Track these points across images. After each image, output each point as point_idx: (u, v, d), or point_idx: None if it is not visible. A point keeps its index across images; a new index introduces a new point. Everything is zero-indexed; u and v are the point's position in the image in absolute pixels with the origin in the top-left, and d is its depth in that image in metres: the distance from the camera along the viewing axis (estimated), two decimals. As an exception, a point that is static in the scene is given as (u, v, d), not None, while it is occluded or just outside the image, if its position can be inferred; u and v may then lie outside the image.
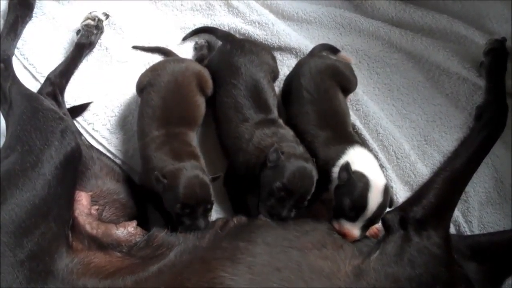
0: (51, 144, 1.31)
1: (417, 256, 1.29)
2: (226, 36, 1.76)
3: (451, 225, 1.58)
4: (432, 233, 1.34)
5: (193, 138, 1.55)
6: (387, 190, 1.36)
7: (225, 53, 1.65)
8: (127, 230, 1.33)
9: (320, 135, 1.52)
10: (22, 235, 1.15)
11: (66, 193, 1.29)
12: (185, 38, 1.87)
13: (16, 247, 1.13)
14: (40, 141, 1.30)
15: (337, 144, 1.48)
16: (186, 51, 1.86)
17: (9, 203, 1.17)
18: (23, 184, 1.20)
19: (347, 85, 1.64)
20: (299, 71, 1.63)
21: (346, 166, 1.36)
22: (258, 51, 1.65)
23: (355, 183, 1.34)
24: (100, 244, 1.28)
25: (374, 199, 1.32)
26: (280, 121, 1.55)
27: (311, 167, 1.38)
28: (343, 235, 1.33)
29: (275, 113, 1.56)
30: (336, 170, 1.42)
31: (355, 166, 1.37)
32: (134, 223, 1.36)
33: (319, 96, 1.56)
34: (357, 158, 1.42)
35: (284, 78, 1.78)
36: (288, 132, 1.50)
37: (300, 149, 1.43)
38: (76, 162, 1.39)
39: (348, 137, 1.53)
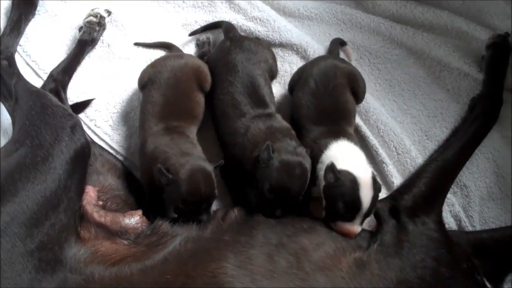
0: (61, 139, 1.39)
1: (416, 242, 1.37)
2: (228, 31, 1.81)
3: (452, 220, 1.66)
4: (425, 219, 1.42)
5: (193, 131, 1.60)
6: (375, 181, 1.38)
7: (223, 50, 1.70)
8: (134, 218, 1.40)
9: (312, 130, 1.55)
10: (33, 226, 1.22)
11: (76, 187, 1.36)
12: (191, 34, 1.94)
13: (26, 238, 1.20)
14: (50, 136, 1.38)
15: (323, 140, 1.50)
16: (188, 47, 1.93)
17: (21, 195, 1.25)
18: (34, 177, 1.29)
19: (357, 91, 1.64)
20: (315, 62, 1.67)
21: (331, 167, 1.37)
22: (257, 48, 1.70)
23: (344, 184, 1.35)
24: (107, 232, 1.36)
25: (366, 195, 1.35)
26: (278, 116, 1.58)
27: (301, 164, 1.39)
28: (344, 235, 1.38)
29: (272, 108, 1.59)
30: (319, 166, 1.45)
31: (340, 164, 1.38)
32: (140, 211, 1.44)
33: (325, 90, 1.58)
34: (340, 154, 1.44)
35: (284, 74, 1.86)
36: (282, 126, 1.53)
37: (293, 143, 1.45)
38: (86, 157, 1.48)
39: (338, 132, 1.52)
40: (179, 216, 1.42)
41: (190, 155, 1.44)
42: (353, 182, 1.35)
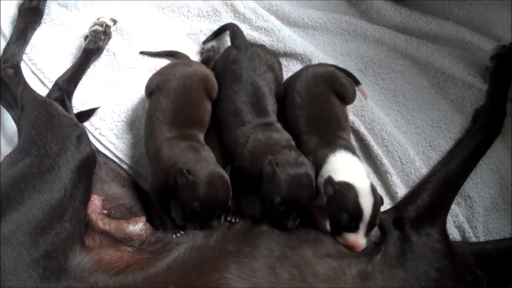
0: (68, 149, 1.41)
1: (420, 254, 1.38)
2: (234, 37, 1.82)
3: (456, 231, 1.66)
4: (429, 230, 1.43)
5: (202, 139, 1.62)
6: (374, 190, 1.41)
7: (230, 59, 1.70)
8: (138, 225, 1.43)
9: (307, 140, 1.57)
10: (38, 235, 1.23)
11: (81, 196, 1.38)
12: (205, 42, 1.95)
13: (31, 247, 1.22)
14: (57, 146, 1.40)
15: (320, 152, 1.52)
16: (194, 57, 1.94)
17: (26, 204, 1.26)
18: (40, 186, 1.30)
19: (342, 92, 1.66)
20: (297, 75, 1.69)
21: (329, 181, 1.40)
22: (263, 56, 1.71)
23: (344, 195, 1.38)
24: (112, 240, 1.38)
25: (367, 203, 1.37)
26: (278, 125, 1.59)
27: (307, 173, 1.41)
28: (351, 248, 1.39)
29: (273, 117, 1.61)
30: (319, 180, 1.46)
31: (338, 176, 1.41)
32: (143, 218, 1.47)
33: (309, 100, 1.60)
34: (338, 166, 1.47)
35: (288, 83, 1.87)
36: (282, 137, 1.54)
37: (293, 154, 1.46)
38: (91, 167, 1.49)
39: (333, 141, 1.55)
40: (191, 221, 1.43)
41: (208, 161, 1.46)
42: (352, 191, 1.37)
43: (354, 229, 1.38)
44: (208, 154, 1.52)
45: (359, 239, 1.38)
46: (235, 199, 1.55)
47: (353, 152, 1.55)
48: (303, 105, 1.62)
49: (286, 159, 1.43)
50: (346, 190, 1.38)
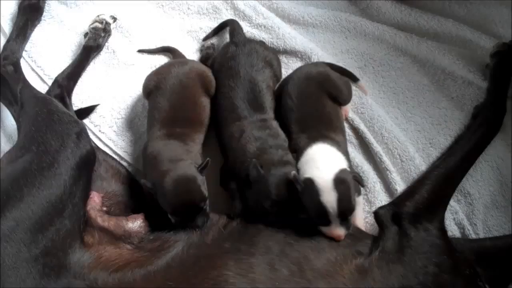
0: (67, 146, 1.41)
1: (418, 249, 1.37)
2: (233, 33, 1.82)
3: (456, 228, 1.66)
4: (427, 225, 1.43)
5: (195, 139, 1.59)
6: (340, 180, 1.36)
7: (228, 55, 1.70)
8: (137, 222, 1.43)
9: (296, 139, 1.55)
10: (38, 232, 1.24)
11: (81, 192, 1.38)
12: (205, 39, 1.95)
13: (31, 243, 1.22)
14: (56, 143, 1.40)
15: (302, 147, 1.51)
16: (194, 55, 1.95)
17: (26, 200, 1.27)
18: (40, 183, 1.30)
19: (335, 94, 1.64)
20: (290, 76, 1.69)
21: (295, 177, 1.38)
22: (262, 53, 1.71)
23: (306, 193, 1.37)
24: (111, 237, 1.38)
25: (329, 199, 1.34)
26: (274, 122, 1.59)
27: (291, 172, 1.41)
28: (332, 239, 1.39)
29: (269, 114, 1.60)
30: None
31: (306, 170, 1.41)
32: (142, 215, 1.47)
33: (300, 102, 1.59)
34: (309, 159, 1.45)
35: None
36: (275, 134, 1.55)
37: (279, 153, 1.47)
38: (91, 164, 1.49)
39: (317, 138, 1.52)
40: (175, 224, 1.43)
41: (176, 162, 1.44)
42: (313, 189, 1.36)
43: (327, 223, 1.37)
44: (181, 153, 1.49)
45: (334, 231, 1.38)
46: (235, 197, 1.56)
47: (337, 146, 1.52)
48: (293, 107, 1.61)
49: (271, 159, 1.45)
50: (308, 188, 1.37)
